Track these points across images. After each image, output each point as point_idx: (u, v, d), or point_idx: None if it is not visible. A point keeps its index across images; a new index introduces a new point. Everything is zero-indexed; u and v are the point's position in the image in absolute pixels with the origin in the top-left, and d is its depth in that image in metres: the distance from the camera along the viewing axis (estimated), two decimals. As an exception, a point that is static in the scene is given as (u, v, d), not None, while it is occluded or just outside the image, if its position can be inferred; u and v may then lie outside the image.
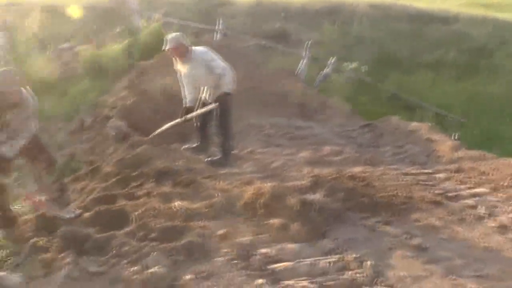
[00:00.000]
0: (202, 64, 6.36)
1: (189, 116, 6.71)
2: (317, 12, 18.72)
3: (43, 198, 5.08)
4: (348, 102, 11.53)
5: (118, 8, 15.78)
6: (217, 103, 6.40)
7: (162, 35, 12.58)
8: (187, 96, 6.71)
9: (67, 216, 4.78)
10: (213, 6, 17.63)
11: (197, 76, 6.48)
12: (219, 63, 6.39)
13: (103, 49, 12.33)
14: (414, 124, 8.92)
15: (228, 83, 6.42)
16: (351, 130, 9.02)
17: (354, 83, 13.09)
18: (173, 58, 6.66)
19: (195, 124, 6.98)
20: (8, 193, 5.09)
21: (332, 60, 12.25)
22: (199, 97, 6.54)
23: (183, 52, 6.39)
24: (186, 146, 7.02)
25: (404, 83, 14.03)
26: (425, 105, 12.36)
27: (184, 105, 6.76)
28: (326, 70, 12.13)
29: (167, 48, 6.38)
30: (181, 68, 6.60)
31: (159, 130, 7.09)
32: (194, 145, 7.02)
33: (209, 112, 6.75)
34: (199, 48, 6.51)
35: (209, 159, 6.59)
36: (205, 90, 6.50)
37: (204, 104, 6.60)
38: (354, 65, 13.21)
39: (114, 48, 12.28)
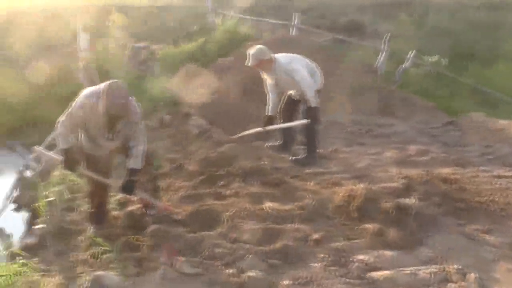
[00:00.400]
0: (286, 76, 6.28)
1: (270, 128, 6.68)
2: (392, 3, 18.27)
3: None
4: (428, 97, 11.18)
5: (194, 7, 16.06)
6: (305, 120, 6.35)
7: (238, 33, 12.77)
8: (270, 104, 6.63)
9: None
10: (287, 1, 17.55)
11: (281, 87, 6.48)
12: (302, 75, 6.23)
13: (179, 48, 12.54)
14: (501, 122, 8.53)
15: (312, 97, 6.27)
16: (434, 127, 8.73)
17: (433, 77, 12.66)
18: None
19: (279, 121, 6.98)
20: (109, 192, 5.27)
21: (411, 53, 11.86)
22: (278, 105, 6.61)
23: (266, 66, 6.32)
24: (269, 144, 7.01)
25: (484, 76, 13.43)
26: (509, 99, 11.75)
27: (266, 113, 6.70)
28: (406, 64, 11.76)
29: (249, 64, 6.34)
30: (266, 77, 6.53)
31: (240, 134, 7.10)
32: (277, 143, 7.01)
33: (292, 111, 6.75)
34: (282, 59, 6.36)
35: (294, 158, 6.55)
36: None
37: (290, 99, 6.64)
38: (435, 58, 12.74)
39: (191, 46, 12.46)
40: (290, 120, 6.83)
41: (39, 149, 5.25)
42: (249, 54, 6.33)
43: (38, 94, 12.03)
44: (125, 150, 4.87)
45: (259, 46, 6.48)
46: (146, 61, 12.39)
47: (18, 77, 12.41)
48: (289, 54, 6.50)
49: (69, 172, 5.19)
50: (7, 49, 13.76)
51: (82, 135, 4.72)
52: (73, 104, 4.55)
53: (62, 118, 4.60)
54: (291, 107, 6.76)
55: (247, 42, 11.81)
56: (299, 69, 6.25)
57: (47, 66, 12.57)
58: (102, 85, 4.45)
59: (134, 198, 5.24)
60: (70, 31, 13.13)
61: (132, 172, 4.74)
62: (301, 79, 6.19)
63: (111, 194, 6.14)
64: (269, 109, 6.63)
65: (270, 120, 6.64)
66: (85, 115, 4.41)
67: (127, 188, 4.80)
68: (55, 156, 4.99)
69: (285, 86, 6.45)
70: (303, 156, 6.56)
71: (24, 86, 12.19)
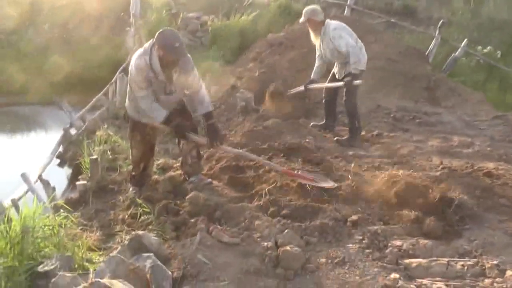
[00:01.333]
0: (331, 42, 6.37)
1: (311, 86, 6.84)
2: (448, -11, 17.75)
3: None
4: (477, 89, 10.93)
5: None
6: (342, 83, 6.43)
7: (290, 8, 12.68)
8: (315, 68, 6.85)
9: (329, 185, 4.81)
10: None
11: (326, 51, 6.54)
12: (347, 41, 6.28)
13: (230, 20, 12.55)
14: (555, 121, 8.28)
15: (354, 63, 6.29)
16: (481, 120, 8.53)
17: (484, 68, 12.33)
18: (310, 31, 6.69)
19: (323, 101, 7.02)
20: (154, 155, 5.38)
21: (464, 43, 11.56)
22: (324, 71, 6.81)
23: (315, 26, 6.47)
24: (313, 123, 7.05)
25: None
26: None
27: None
28: (457, 53, 11.48)
29: (301, 20, 6.52)
30: (314, 40, 6.69)
31: (293, 91, 7.28)
32: (321, 123, 7.04)
33: (336, 90, 6.81)
34: (332, 24, 6.45)
35: (337, 138, 6.58)
36: (335, 65, 6.59)
37: (334, 79, 6.65)
38: (488, 49, 12.38)
39: (242, 19, 12.45)
40: (332, 108, 6.92)
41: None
42: (304, 11, 6.51)
43: (89, 57, 12.28)
44: (180, 111, 4.94)
45: (314, 5, 6.66)
46: (197, 31, 12.47)
47: (70, 40, 12.70)
48: (342, 24, 6.55)
49: (179, 138, 5.19)
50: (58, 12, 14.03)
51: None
52: (129, 75, 4.63)
53: (132, 94, 4.69)
54: (333, 92, 6.86)
55: (299, 19, 11.76)
56: (345, 37, 6.31)
57: (98, 32, 12.82)
58: (147, 43, 4.53)
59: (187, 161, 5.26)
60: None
61: (208, 115, 4.81)
62: (346, 45, 6.26)
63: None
64: (313, 73, 6.88)
65: (311, 83, 6.86)
66: (145, 74, 4.46)
67: (213, 135, 4.81)
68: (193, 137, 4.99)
69: (327, 53, 6.53)
70: (347, 137, 6.57)
71: (75, 49, 12.50)
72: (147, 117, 4.76)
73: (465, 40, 11.70)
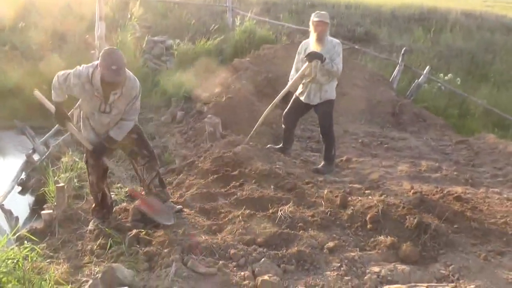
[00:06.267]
0: (331, 51, 6.22)
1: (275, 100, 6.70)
2: (408, 18, 18.30)
3: (144, 195, 5.09)
4: (439, 114, 11.20)
5: (213, 5, 16.03)
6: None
7: (255, 34, 12.76)
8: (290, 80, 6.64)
9: (166, 223, 4.73)
10: (304, 7, 17.56)
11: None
12: (340, 62, 6.27)
13: (196, 45, 12.54)
14: (514, 145, 8.51)
15: (334, 88, 6.34)
16: (446, 145, 8.72)
17: (446, 94, 12.66)
18: (302, 44, 6.60)
19: (283, 127, 6.98)
20: (106, 177, 5.19)
21: (426, 70, 11.88)
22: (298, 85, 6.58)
23: (325, 31, 6.28)
24: (269, 145, 7.05)
25: (496, 98, 13.43)
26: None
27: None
28: (420, 80, 11.76)
29: (318, 19, 6.23)
30: (312, 46, 6.35)
31: (251, 133, 7.10)
32: (277, 146, 7.04)
33: (297, 117, 6.88)
34: (335, 39, 6.46)
35: (315, 167, 6.60)
36: (305, 87, 6.51)
37: (299, 105, 6.65)
38: (449, 76, 12.75)
39: (207, 44, 12.46)
40: (292, 134, 6.98)
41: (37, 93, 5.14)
42: (319, 12, 6.32)
43: (52, 79, 12.00)
44: (123, 142, 4.81)
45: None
46: (162, 56, 12.39)
47: (33, 64, 12.40)
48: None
49: (60, 126, 5.13)
50: (21, 35, 13.74)
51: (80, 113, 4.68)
52: (74, 69, 4.52)
53: (61, 72, 4.56)
54: (297, 112, 6.83)
55: (264, 45, 11.84)
56: (341, 58, 6.30)
57: (62, 53, 12.59)
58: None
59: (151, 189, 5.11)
60: (87, 20, 13.15)
61: (109, 139, 4.66)
62: (339, 65, 6.21)
63: (119, 187, 6.16)
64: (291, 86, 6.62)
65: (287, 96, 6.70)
66: (81, 83, 4.36)
67: (97, 149, 4.72)
68: (49, 105, 4.89)
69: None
70: (323, 164, 6.57)
71: (38, 71, 12.20)
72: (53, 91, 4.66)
73: (428, 67, 12.01)
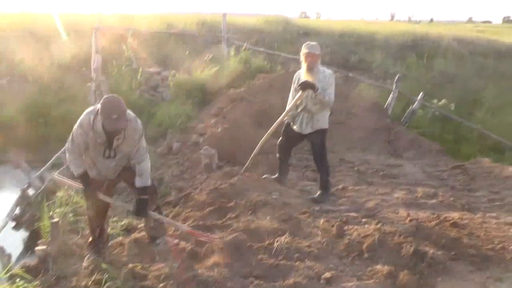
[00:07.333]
0: (323, 82, 6.22)
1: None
2: (401, 45, 18.54)
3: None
4: (434, 139, 11.26)
5: (208, 36, 16.19)
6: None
7: (250, 64, 12.90)
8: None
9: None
10: (299, 36, 17.78)
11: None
12: (333, 93, 6.28)
13: (192, 75, 12.64)
14: (509, 169, 8.51)
15: (327, 118, 6.38)
16: (441, 170, 8.72)
17: (440, 120, 12.76)
18: (296, 74, 6.62)
19: (278, 157, 6.99)
20: (107, 213, 5.19)
21: (420, 96, 11.99)
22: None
23: (315, 62, 6.28)
24: (265, 175, 7.05)
25: (490, 123, 13.55)
26: (516, 148, 11.81)
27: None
28: (414, 106, 11.86)
29: (307, 51, 6.23)
30: (303, 76, 6.36)
31: (247, 164, 7.11)
32: (273, 176, 7.04)
33: (291, 146, 6.91)
34: (327, 69, 6.49)
35: (312, 197, 6.57)
36: (298, 116, 6.53)
37: (291, 135, 6.66)
38: (442, 102, 12.86)
39: (203, 74, 12.56)
40: (286, 164, 6.99)
41: (57, 177, 5.18)
42: (309, 44, 6.30)
43: (48, 113, 12.09)
44: (127, 175, 4.85)
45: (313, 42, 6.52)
46: (158, 87, 12.47)
47: (29, 95, 12.48)
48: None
49: (89, 198, 4.99)
50: (18, 66, 13.86)
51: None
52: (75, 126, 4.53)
53: (67, 144, 4.57)
54: (290, 141, 6.83)
55: (259, 74, 11.95)
56: (333, 87, 6.28)
57: (58, 85, 12.68)
58: (100, 103, 4.44)
59: (149, 223, 5.14)
60: (83, 53, 13.28)
61: (142, 190, 4.70)
62: (331, 95, 6.22)
63: (115, 220, 6.14)
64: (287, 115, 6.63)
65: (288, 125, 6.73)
66: (84, 133, 4.36)
67: (140, 209, 4.74)
68: (75, 184, 4.92)
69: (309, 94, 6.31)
70: (320, 193, 6.56)
71: (34, 104, 12.26)
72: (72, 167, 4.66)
73: (421, 93, 12.11)
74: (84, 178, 4.63)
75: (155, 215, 5.03)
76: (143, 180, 4.69)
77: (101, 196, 4.75)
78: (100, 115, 4.19)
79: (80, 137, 4.39)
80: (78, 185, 4.89)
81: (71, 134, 4.51)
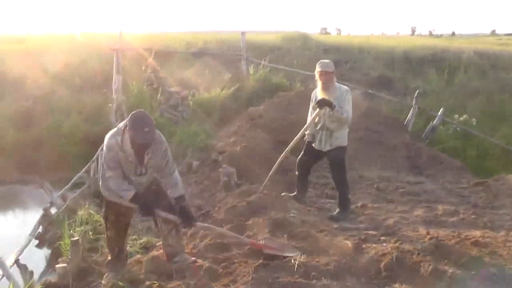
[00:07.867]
0: (340, 99, 6.28)
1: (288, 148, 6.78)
2: (421, 59, 18.40)
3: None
4: (456, 156, 11.11)
5: (227, 54, 16.33)
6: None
7: (270, 82, 12.97)
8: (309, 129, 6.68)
9: (294, 254, 4.79)
10: (318, 53, 17.79)
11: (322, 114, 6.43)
12: (350, 109, 6.34)
13: (211, 94, 12.74)
14: (536, 187, 8.36)
15: (345, 135, 6.38)
16: (463, 187, 8.60)
17: (461, 136, 12.60)
18: (313, 92, 6.69)
19: (297, 174, 7.00)
20: (127, 233, 5.25)
21: (440, 111, 11.88)
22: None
23: (330, 80, 6.36)
24: (284, 193, 7.05)
25: (515, 138, 13.31)
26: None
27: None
28: (435, 122, 11.76)
29: (320, 69, 6.33)
30: (319, 94, 6.43)
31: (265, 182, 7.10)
32: (292, 194, 7.04)
33: (311, 164, 6.94)
34: (343, 86, 6.56)
35: (331, 215, 6.57)
36: (317, 134, 6.56)
37: (312, 152, 6.69)
38: (464, 117, 12.71)
39: (223, 93, 12.65)
40: (306, 182, 7.04)
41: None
42: (322, 62, 6.44)
43: (71, 132, 12.28)
44: (156, 191, 4.91)
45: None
46: (178, 106, 12.58)
47: (52, 116, 12.70)
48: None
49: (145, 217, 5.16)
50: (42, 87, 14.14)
51: None
52: (103, 153, 4.59)
53: (105, 174, 4.57)
54: (310, 159, 6.86)
55: (278, 92, 11.99)
56: (351, 104, 6.35)
57: (80, 106, 12.89)
58: (122, 123, 4.51)
59: (167, 241, 5.13)
60: (105, 73, 13.50)
61: (180, 199, 4.80)
62: (349, 112, 6.28)
63: (134, 238, 6.18)
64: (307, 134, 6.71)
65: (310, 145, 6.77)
66: (115, 153, 4.40)
67: (186, 218, 4.81)
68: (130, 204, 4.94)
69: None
70: (338, 211, 6.54)
71: (57, 125, 12.47)
72: (117, 196, 4.66)
73: (442, 109, 12.01)
74: (138, 198, 4.60)
75: (203, 225, 5.28)
76: (178, 189, 4.82)
77: (162, 213, 4.78)
78: (131, 131, 4.26)
79: (113, 160, 4.44)
80: (169, 216, 4.85)
81: (101, 165, 4.59)
